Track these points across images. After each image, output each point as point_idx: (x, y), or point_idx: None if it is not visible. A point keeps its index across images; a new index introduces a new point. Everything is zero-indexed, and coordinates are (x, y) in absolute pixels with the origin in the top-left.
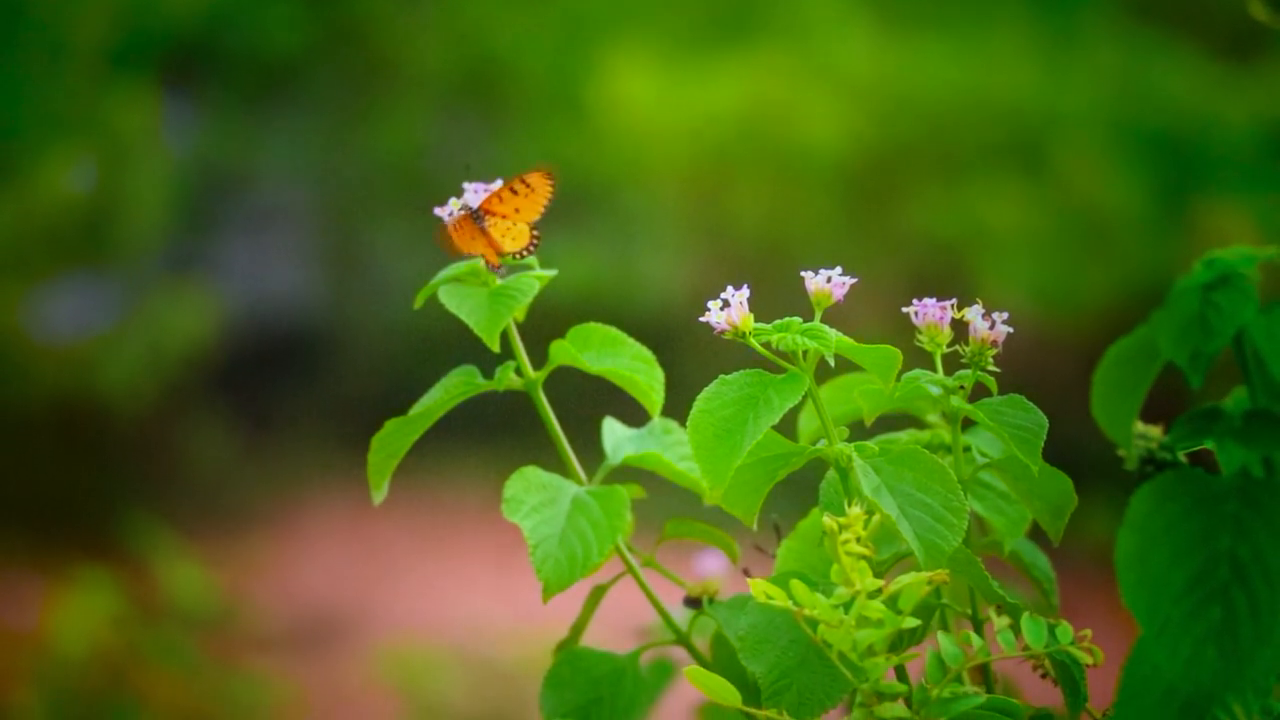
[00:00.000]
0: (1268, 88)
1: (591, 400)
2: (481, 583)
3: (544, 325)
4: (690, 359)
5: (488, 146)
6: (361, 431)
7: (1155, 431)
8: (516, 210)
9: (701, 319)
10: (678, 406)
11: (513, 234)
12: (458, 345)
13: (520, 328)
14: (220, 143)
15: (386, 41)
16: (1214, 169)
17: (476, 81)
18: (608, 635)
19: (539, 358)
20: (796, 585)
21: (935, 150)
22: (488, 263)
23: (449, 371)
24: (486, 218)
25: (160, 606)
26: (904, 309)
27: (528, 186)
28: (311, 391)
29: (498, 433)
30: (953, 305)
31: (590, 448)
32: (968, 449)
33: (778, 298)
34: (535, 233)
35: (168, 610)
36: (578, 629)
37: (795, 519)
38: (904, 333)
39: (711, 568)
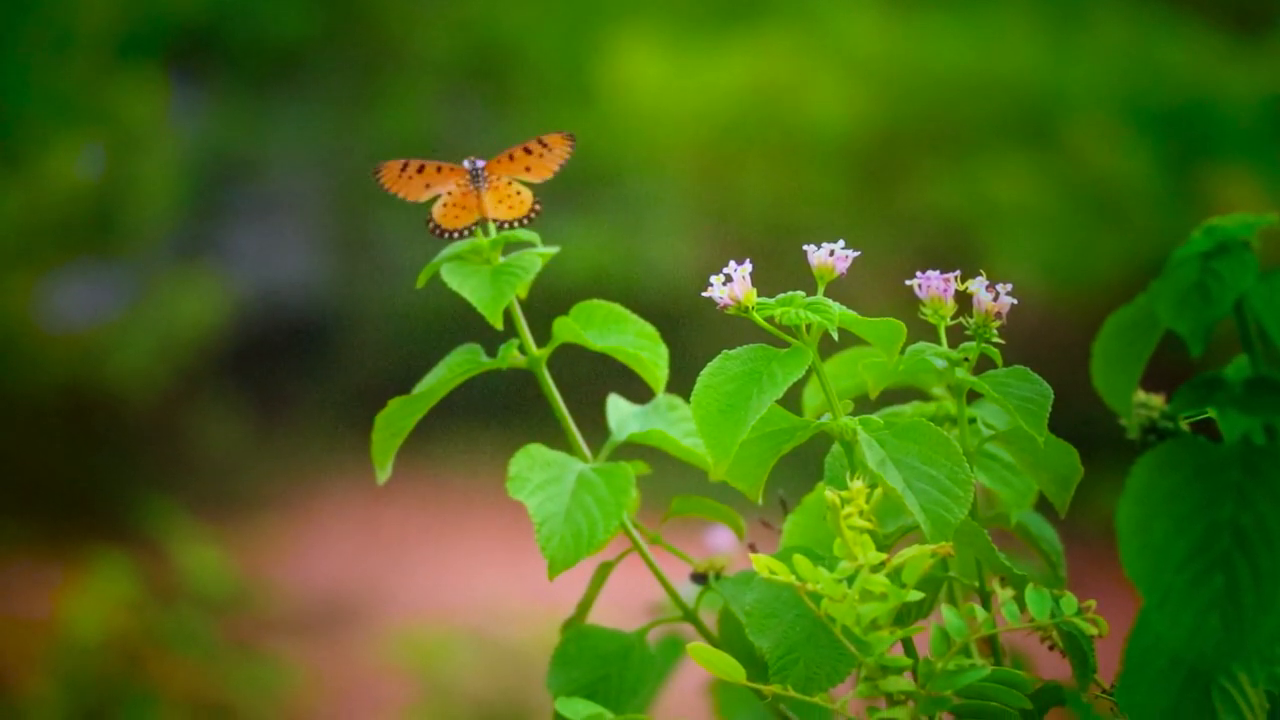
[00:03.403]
0: (1274, 60)
1: (598, 378)
2: (493, 564)
3: (553, 307)
4: (698, 340)
5: (495, 131)
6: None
7: (1157, 401)
8: (528, 169)
9: (704, 294)
10: (686, 387)
11: (510, 201)
12: (466, 328)
13: (528, 310)
14: (228, 129)
15: (393, 27)
16: (1221, 141)
17: (483, 66)
18: (615, 613)
19: (546, 339)
20: (800, 560)
21: (943, 128)
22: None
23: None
24: (489, 179)
25: (175, 591)
26: (907, 282)
27: (545, 146)
28: (321, 376)
29: (507, 414)
30: (956, 277)
31: (596, 426)
32: (973, 421)
33: (785, 277)
34: (537, 204)
35: (182, 594)
36: (584, 606)
37: (801, 494)
38: (912, 309)
39: (721, 543)
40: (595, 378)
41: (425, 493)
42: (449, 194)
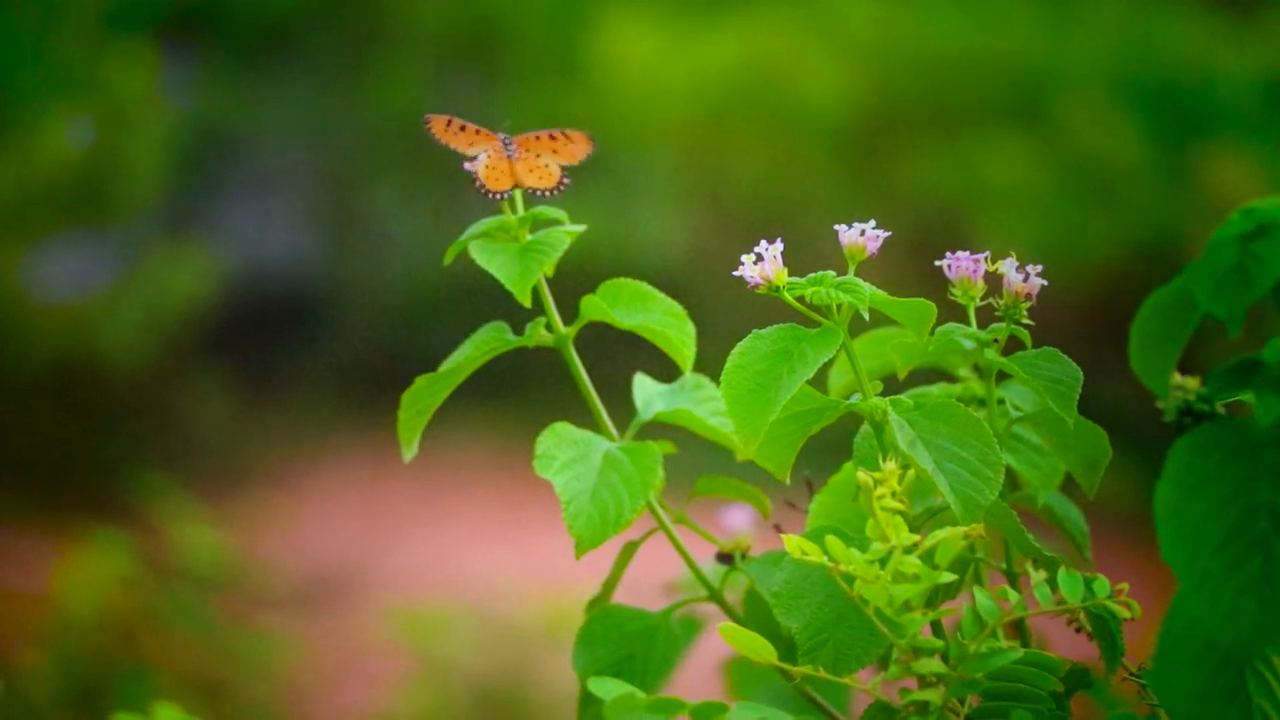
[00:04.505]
0: (1267, 38)
1: (609, 357)
2: (486, 540)
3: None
4: (692, 318)
5: (486, 106)
6: (361, 390)
7: (1192, 383)
8: (554, 152)
9: (735, 273)
10: (666, 365)
11: (539, 172)
12: (456, 304)
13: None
14: (219, 103)
15: (384, 2)
16: (1216, 121)
17: (475, 41)
18: (628, 592)
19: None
20: (832, 541)
21: (935, 107)
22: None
23: (449, 330)
24: (519, 151)
25: (170, 566)
26: (937, 263)
27: (567, 138)
28: (310, 351)
29: (500, 391)
30: (986, 258)
31: (609, 405)
32: (1001, 402)
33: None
34: (565, 176)
35: (177, 570)
36: (609, 586)
37: (825, 474)
38: (906, 289)
39: (738, 522)
40: (604, 352)
41: (416, 469)
42: (488, 156)
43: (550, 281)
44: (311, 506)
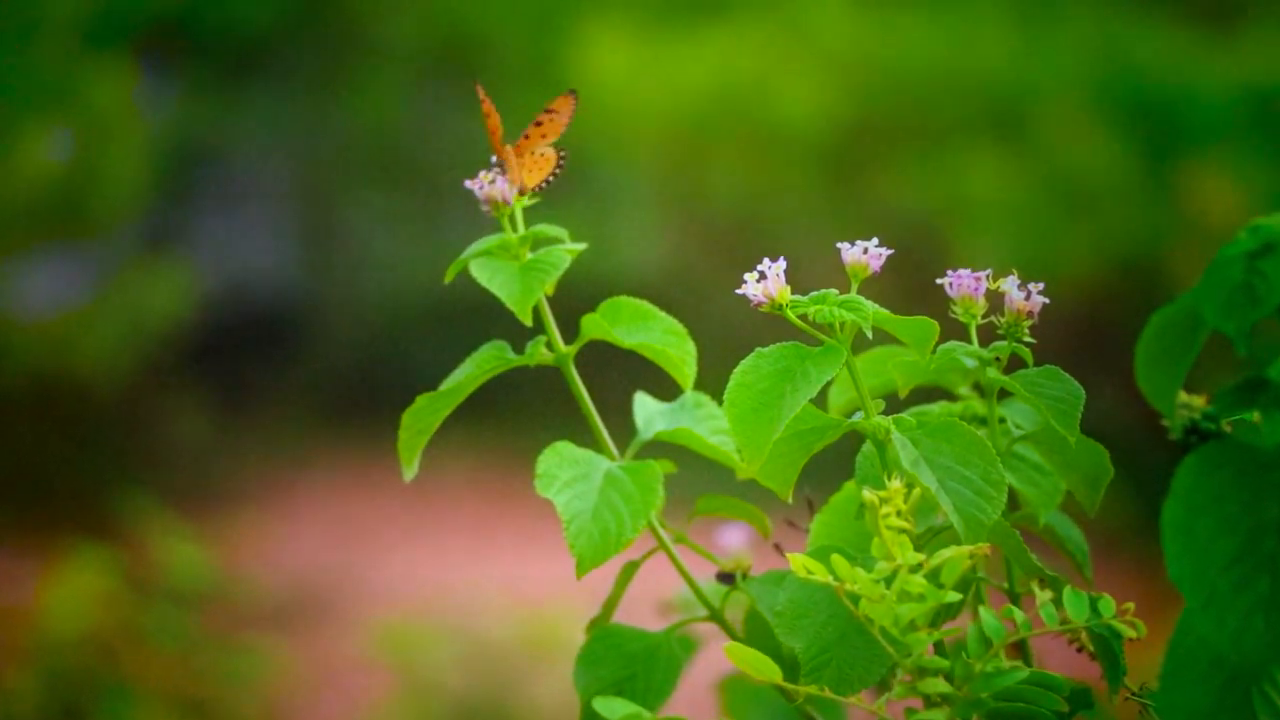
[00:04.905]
0: (1245, 52)
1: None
2: (466, 558)
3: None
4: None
5: (463, 121)
6: (340, 406)
7: (1198, 401)
8: (544, 136)
9: (738, 291)
10: (653, 383)
11: (537, 166)
12: (435, 320)
13: (490, 301)
14: (196, 117)
15: (362, 16)
16: (1193, 135)
17: (452, 56)
18: (622, 612)
19: (525, 330)
20: (838, 560)
21: (913, 122)
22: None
23: (427, 346)
24: (519, 155)
25: (151, 583)
26: (938, 281)
27: (553, 113)
28: (289, 367)
29: (477, 409)
30: (988, 276)
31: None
32: (1002, 421)
33: (750, 269)
34: (561, 154)
35: (159, 587)
36: (610, 605)
37: (823, 493)
38: (883, 304)
39: (734, 542)
40: (594, 372)
41: (396, 486)
42: (501, 163)
43: None
44: (291, 523)
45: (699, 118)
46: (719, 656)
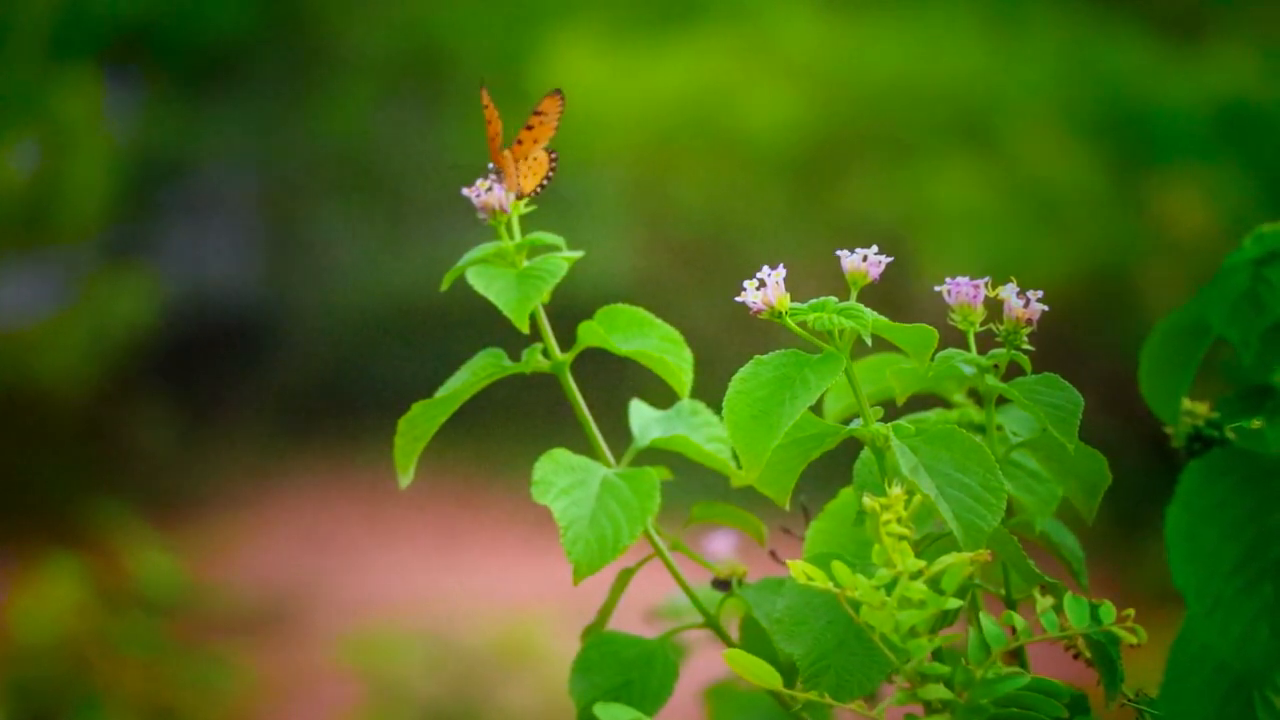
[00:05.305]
0: (1212, 63)
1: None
2: (435, 566)
3: (491, 307)
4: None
5: (430, 132)
6: (307, 415)
7: (1201, 408)
8: (535, 140)
9: (738, 299)
10: (629, 392)
11: (532, 171)
12: (399, 330)
13: (462, 309)
14: (162, 128)
15: (329, 28)
16: (1161, 146)
17: (419, 67)
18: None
19: (489, 339)
20: (838, 566)
21: (881, 132)
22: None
23: (393, 355)
24: (515, 161)
25: (122, 592)
26: (936, 288)
27: (541, 115)
28: (255, 376)
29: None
30: (987, 284)
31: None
32: (999, 428)
33: (721, 280)
34: (553, 156)
35: (129, 596)
36: (605, 613)
37: (818, 499)
38: None
39: (722, 549)
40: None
41: (362, 495)
42: (497, 170)
43: (492, 302)
44: (260, 531)
45: (667, 128)
46: (704, 664)
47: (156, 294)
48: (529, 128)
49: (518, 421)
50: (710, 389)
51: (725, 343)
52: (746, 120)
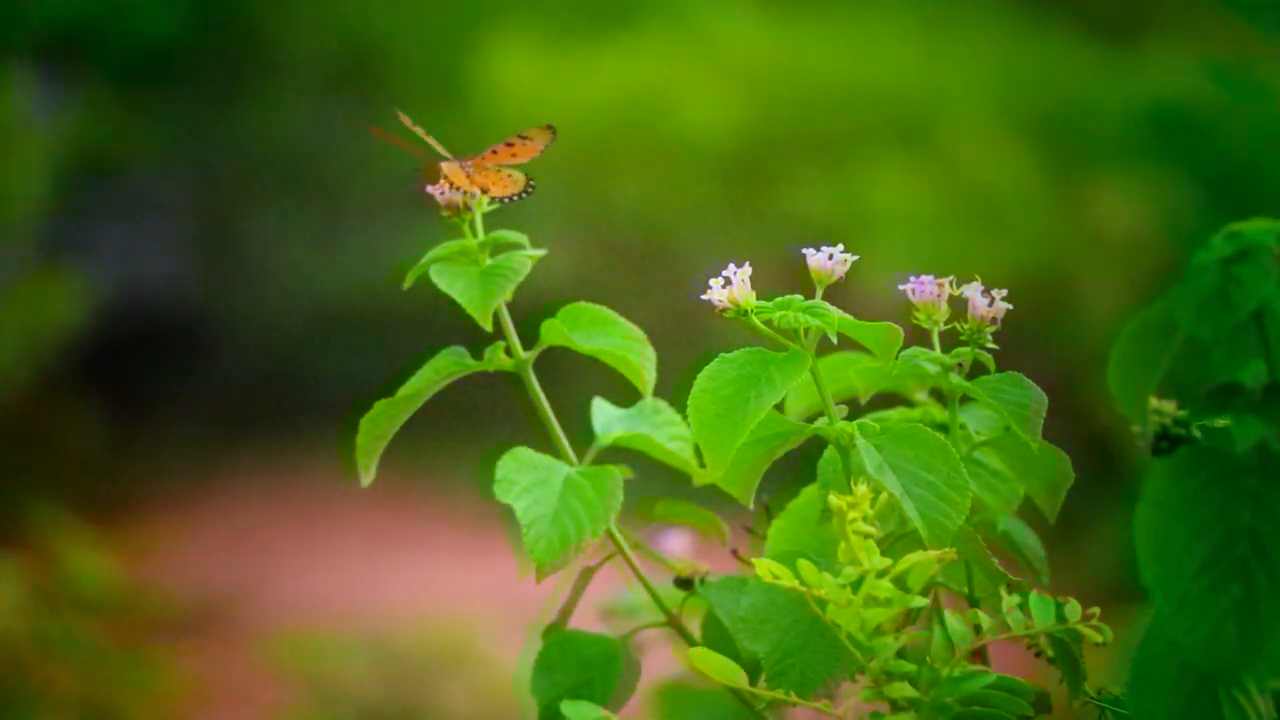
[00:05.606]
0: (1148, 65)
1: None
2: (370, 567)
3: (422, 308)
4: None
5: (367, 134)
6: (242, 417)
7: (1169, 407)
8: (514, 156)
9: (703, 297)
10: (562, 394)
11: (504, 181)
12: (335, 331)
13: (403, 310)
14: (95, 128)
15: (264, 27)
16: (1096, 147)
17: (355, 67)
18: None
19: (429, 339)
20: (805, 565)
21: (818, 134)
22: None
23: (328, 356)
24: (476, 169)
25: (57, 592)
26: (900, 286)
27: (527, 139)
28: (189, 377)
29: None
30: (951, 282)
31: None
32: (962, 426)
33: (658, 280)
34: (531, 181)
35: (65, 596)
36: (566, 611)
37: (778, 498)
38: None
39: (676, 548)
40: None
41: (298, 496)
42: (447, 168)
43: (427, 304)
44: (196, 533)
45: (604, 129)
46: (656, 662)
47: (90, 295)
48: (509, 144)
49: (452, 422)
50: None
51: (663, 343)
52: (684, 122)
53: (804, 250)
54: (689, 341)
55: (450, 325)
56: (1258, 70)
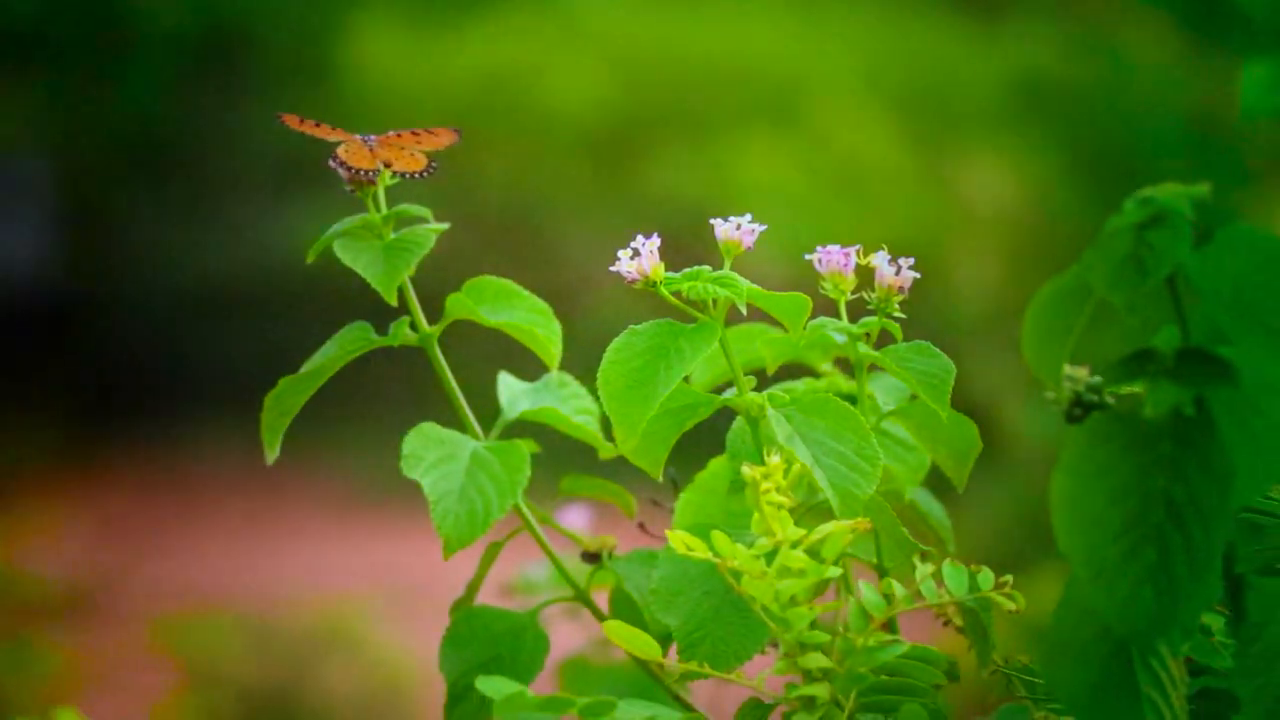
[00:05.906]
0: (1012, 39)
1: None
2: (247, 549)
3: (293, 285)
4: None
5: (231, 110)
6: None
7: (1082, 373)
8: (419, 145)
9: (612, 269)
10: (423, 372)
11: (406, 159)
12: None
13: (274, 289)
14: None
15: (125, 4)
16: (965, 122)
17: (217, 44)
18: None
19: (306, 317)
20: (718, 537)
21: (686, 110)
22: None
23: (198, 337)
24: (380, 145)
25: None
26: (807, 256)
27: (431, 133)
28: (60, 362)
29: (244, 397)
30: (858, 251)
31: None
32: (870, 396)
33: (526, 258)
34: (433, 161)
35: None
36: (473, 587)
37: (684, 471)
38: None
39: (576, 522)
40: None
41: (171, 479)
42: (347, 144)
43: (296, 281)
44: (68, 518)
45: (470, 106)
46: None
47: None
48: (415, 134)
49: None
50: (526, 368)
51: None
52: (551, 99)
53: (712, 220)
54: (562, 317)
55: (324, 304)
56: (1117, 42)
